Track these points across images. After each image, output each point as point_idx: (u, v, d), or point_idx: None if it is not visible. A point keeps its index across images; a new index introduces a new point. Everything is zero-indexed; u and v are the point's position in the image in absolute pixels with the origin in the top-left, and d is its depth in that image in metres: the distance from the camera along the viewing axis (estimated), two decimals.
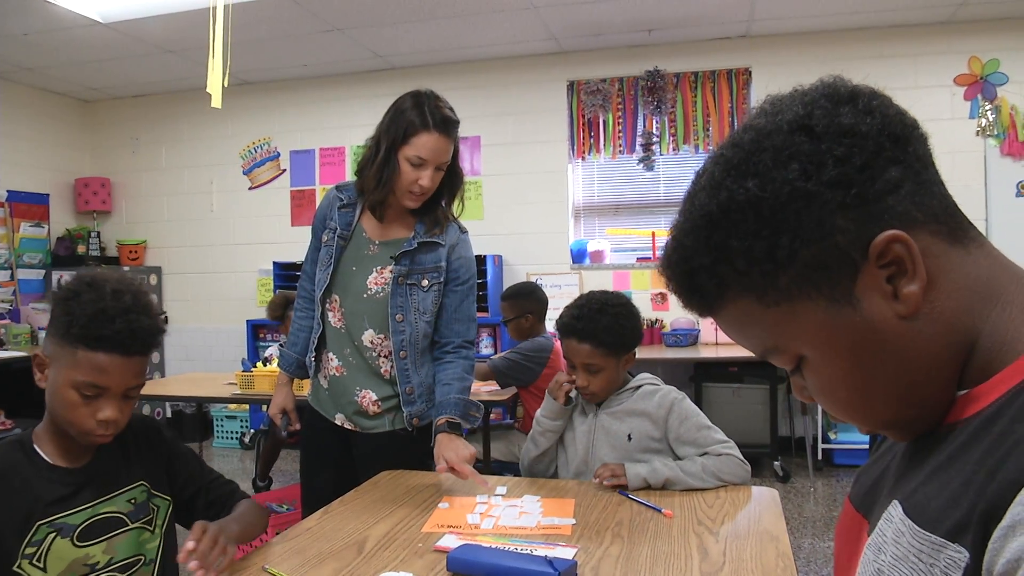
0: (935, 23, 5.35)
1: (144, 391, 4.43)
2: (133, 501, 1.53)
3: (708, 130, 5.78)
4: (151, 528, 1.55)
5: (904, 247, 0.62)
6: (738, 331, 0.73)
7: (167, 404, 6.81)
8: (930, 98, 5.35)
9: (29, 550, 1.36)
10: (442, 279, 2.26)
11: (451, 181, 2.25)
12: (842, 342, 0.66)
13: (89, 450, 1.48)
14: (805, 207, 0.64)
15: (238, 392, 3.82)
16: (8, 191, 6.41)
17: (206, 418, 6.43)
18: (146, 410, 6.68)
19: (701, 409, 2.16)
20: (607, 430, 2.14)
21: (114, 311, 1.36)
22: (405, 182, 2.14)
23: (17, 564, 1.35)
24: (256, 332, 6.45)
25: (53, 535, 1.39)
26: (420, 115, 2.10)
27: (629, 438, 2.10)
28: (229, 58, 3.60)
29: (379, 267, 2.24)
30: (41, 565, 1.37)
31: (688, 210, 0.71)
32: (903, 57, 5.44)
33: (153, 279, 6.97)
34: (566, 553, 1.53)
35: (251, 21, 4.98)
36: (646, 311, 5.87)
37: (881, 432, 0.73)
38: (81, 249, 6.83)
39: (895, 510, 0.65)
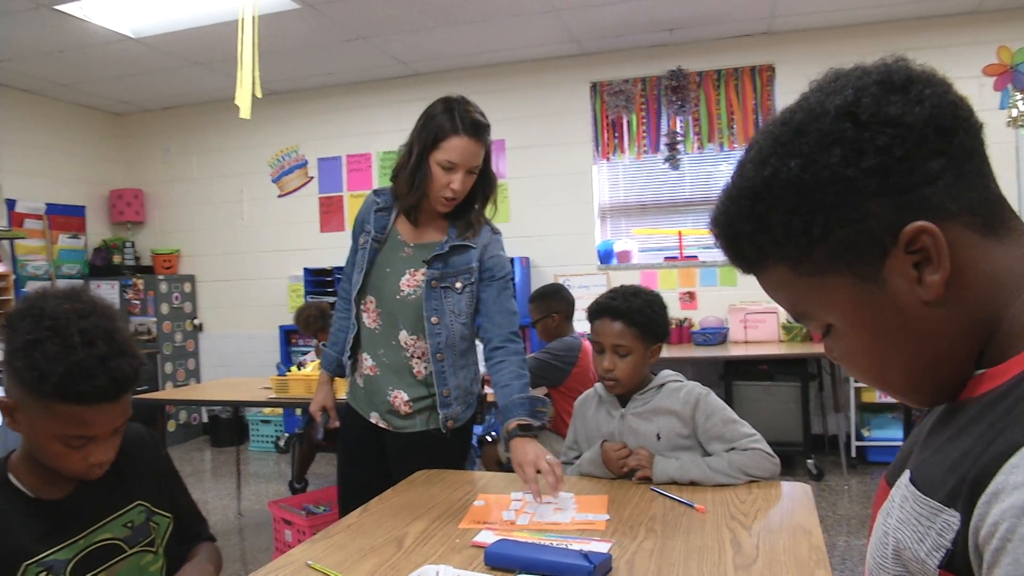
0: (962, 13, 5.31)
1: (181, 396, 4.49)
2: (131, 524, 1.44)
3: (733, 128, 5.78)
4: (153, 549, 1.47)
5: (932, 238, 0.65)
6: (774, 293, 0.77)
7: (203, 409, 6.95)
8: (959, 90, 5.29)
9: None
10: (474, 279, 2.29)
11: (484, 185, 2.29)
12: (866, 317, 0.70)
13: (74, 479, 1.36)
14: (843, 191, 0.67)
15: (273, 396, 3.89)
16: (47, 204, 6.58)
17: (241, 422, 6.54)
18: (182, 416, 6.83)
19: (732, 408, 2.17)
20: (635, 431, 2.15)
21: (90, 364, 1.22)
22: (437, 186, 2.18)
23: None
24: (288, 337, 6.54)
25: (43, 574, 1.29)
26: (450, 120, 2.14)
27: (658, 437, 2.11)
28: (258, 69, 3.66)
29: (412, 269, 2.28)
30: None
31: (738, 178, 0.75)
32: (930, 49, 5.38)
33: (187, 287, 7.10)
34: (601, 547, 1.56)
35: (277, 32, 5.07)
36: (675, 310, 5.88)
37: (898, 398, 0.77)
38: (117, 259, 6.98)
39: (904, 478, 0.70)
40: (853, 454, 5.11)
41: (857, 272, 0.69)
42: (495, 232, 2.37)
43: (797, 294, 0.74)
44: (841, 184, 0.67)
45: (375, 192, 2.39)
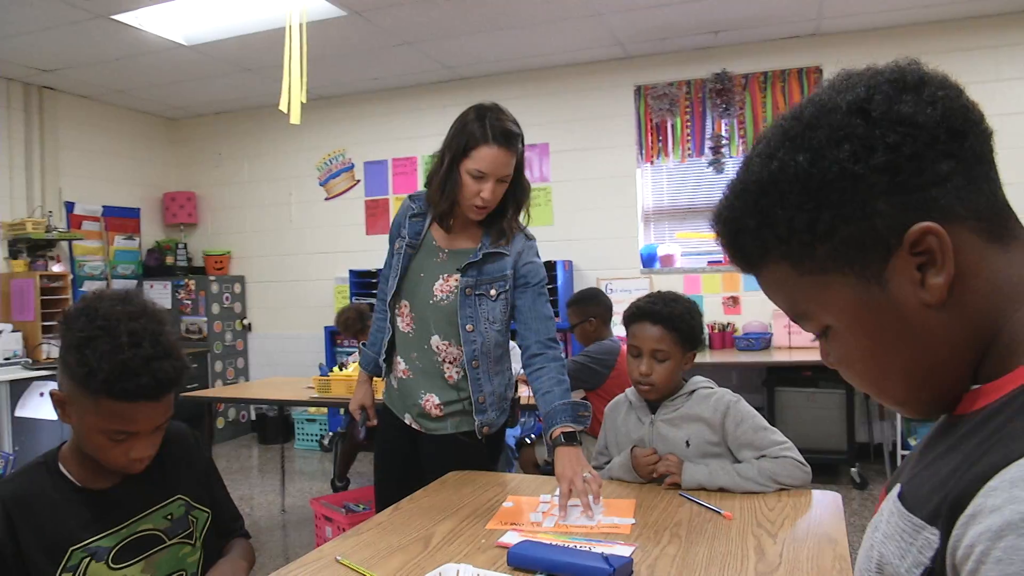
0: (1015, 12, 5.17)
1: (230, 394, 4.62)
2: (170, 517, 1.51)
3: None
4: (191, 542, 1.54)
5: (937, 240, 0.64)
6: (774, 292, 0.76)
7: (251, 407, 7.10)
8: (1012, 91, 5.17)
9: (65, 575, 1.36)
10: (508, 286, 2.30)
11: (516, 193, 2.28)
12: (866, 318, 0.69)
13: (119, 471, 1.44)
14: (851, 188, 0.66)
15: (316, 396, 3.97)
16: (104, 206, 6.80)
17: (287, 421, 6.67)
18: (231, 414, 6.99)
19: (774, 415, 2.15)
20: (665, 437, 2.15)
21: (136, 363, 1.29)
22: (467, 195, 2.19)
23: None
24: (333, 338, 6.65)
25: (87, 559, 1.38)
26: (481, 129, 2.14)
27: (687, 444, 2.11)
28: (305, 75, 3.75)
29: (445, 275, 2.30)
30: None
31: (744, 172, 0.74)
32: (983, 49, 5.27)
33: (237, 288, 7.27)
34: (624, 551, 1.57)
35: (324, 39, 5.17)
36: (718, 315, 5.84)
37: (896, 407, 0.76)
38: (170, 260, 7.17)
39: (894, 492, 0.69)
40: (899, 463, 5.00)
41: (860, 272, 0.68)
42: (529, 239, 2.37)
43: (797, 293, 0.73)
44: (849, 180, 0.66)
45: (411, 197, 2.42)
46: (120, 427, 1.33)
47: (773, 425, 2.10)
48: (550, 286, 5.85)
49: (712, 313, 5.82)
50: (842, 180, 0.66)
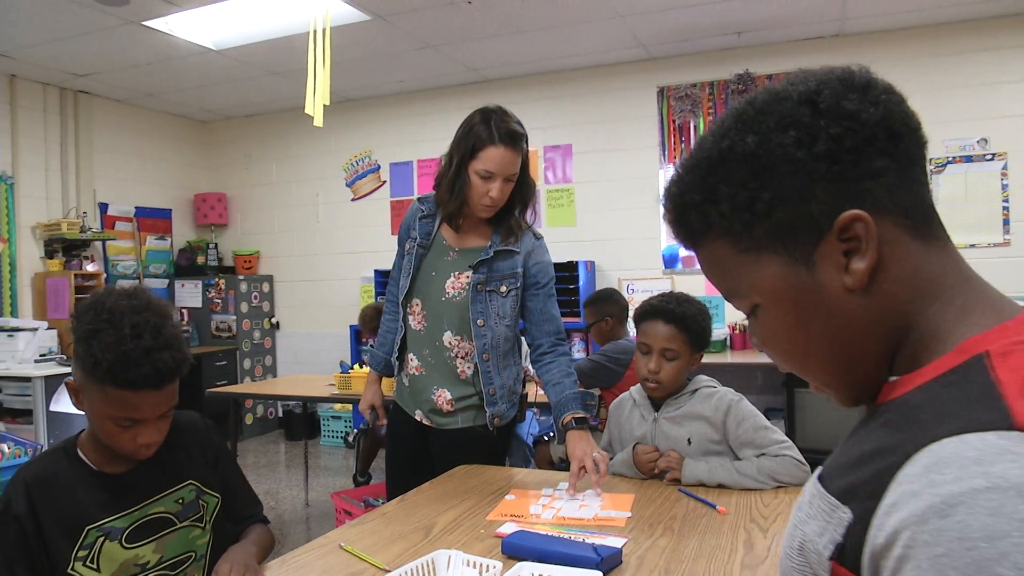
0: None
1: (257, 391, 4.72)
2: (181, 501, 1.58)
3: None
4: (202, 525, 1.61)
5: (864, 227, 0.68)
6: (711, 269, 0.80)
7: (279, 405, 7.23)
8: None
9: (81, 553, 1.43)
10: (519, 284, 2.37)
11: (522, 192, 2.35)
12: (791, 298, 0.73)
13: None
14: (791, 172, 0.70)
15: (336, 392, 4.06)
16: (136, 207, 6.97)
17: (313, 418, 6.79)
18: (259, 410, 7.12)
19: (793, 416, 2.17)
20: (667, 435, 2.19)
21: (136, 354, 1.36)
22: (476, 194, 2.27)
23: (71, 567, 1.42)
24: (359, 336, 6.75)
25: (102, 539, 1.46)
26: (487, 130, 2.22)
27: (689, 442, 2.15)
28: (329, 78, 3.83)
29: (457, 272, 2.37)
30: (95, 567, 1.45)
31: (696, 149, 0.77)
32: (1008, 49, 5.21)
33: (265, 287, 7.41)
34: (616, 542, 1.62)
35: (349, 43, 5.26)
36: (739, 315, 5.83)
37: (822, 392, 0.79)
38: (200, 260, 7.33)
39: (815, 475, 0.73)
40: None
41: (791, 252, 0.72)
42: (538, 237, 2.44)
43: (731, 271, 0.77)
44: (791, 165, 0.70)
45: (419, 199, 2.49)
46: (125, 414, 1.41)
47: (792, 426, 2.12)
48: (572, 286, 5.92)
49: (734, 313, 5.82)
50: (785, 164, 0.70)
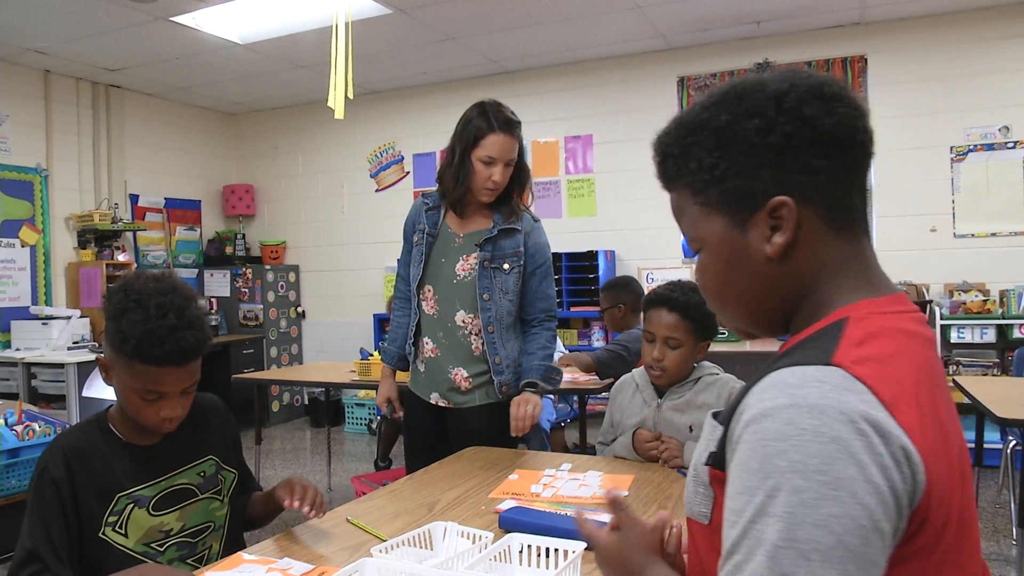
0: None
1: (283, 377, 4.84)
2: (203, 474, 1.69)
3: None
4: (220, 498, 1.72)
5: (788, 211, 0.83)
6: (676, 211, 0.95)
7: (305, 392, 7.38)
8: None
9: (112, 518, 1.54)
10: (522, 262, 2.52)
11: (519, 175, 2.54)
12: (724, 251, 0.89)
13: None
14: (746, 151, 0.85)
15: (357, 379, 4.16)
16: (166, 198, 7.14)
17: (338, 405, 6.92)
18: (285, 398, 7.27)
19: None
20: (669, 422, 2.24)
21: (161, 332, 1.46)
22: (480, 179, 2.44)
23: (101, 531, 1.53)
24: (382, 325, 6.86)
25: (131, 505, 1.56)
26: (486, 120, 2.42)
27: (691, 429, 2.20)
28: (351, 71, 3.91)
29: (465, 255, 2.52)
30: (123, 532, 1.55)
31: (686, 112, 0.92)
32: None
33: (292, 276, 7.55)
34: (608, 518, 1.68)
35: (372, 36, 5.35)
36: None
37: (730, 327, 0.98)
38: (228, 250, 7.49)
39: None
40: None
41: (731, 215, 0.87)
42: (536, 220, 2.62)
43: (689, 216, 0.92)
44: (748, 146, 0.84)
45: (423, 196, 2.66)
46: (150, 387, 1.51)
47: None
48: (591, 275, 5.98)
49: None
50: (743, 144, 0.85)
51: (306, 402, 7.43)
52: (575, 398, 4.47)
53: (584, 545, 1.35)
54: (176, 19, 5.00)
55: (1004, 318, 5.08)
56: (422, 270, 2.56)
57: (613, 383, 3.91)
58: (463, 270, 2.51)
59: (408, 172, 7.10)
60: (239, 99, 7.26)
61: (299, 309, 7.60)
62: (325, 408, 6.22)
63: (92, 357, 5.50)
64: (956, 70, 5.35)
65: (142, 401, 1.53)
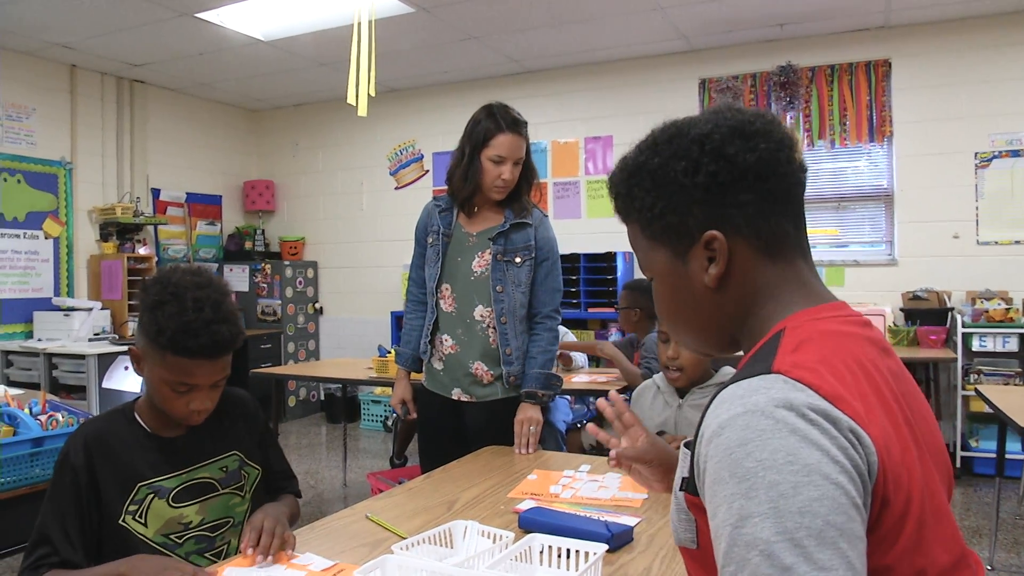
0: None
1: (300, 372, 4.87)
2: (225, 469, 1.70)
3: (845, 124, 5.65)
4: (241, 494, 1.72)
5: (719, 244, 0.90)
6: (631, 243, 1.02)
7: (321, 388, 7.41)
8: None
9: (132, 507, 1.56)
10: (532, 255, 2.58)
11: (527, 174, 2.61)
12: (669, 280, 0.97)
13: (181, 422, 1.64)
14: (677, 191, 0.92)
15: (374, 375, 4.17)
16: (187, 193, 7.19)
17: (354, 402, 6.94)
18: (302, 393, 7.30)
19: None
20: (690, 421, 2.26)
21: (197, 325, 1.49)
22: (490, 178, 2.52)
23: (121, 519, 1.55)
24: (399, 322, 6.87)
25: (152, 496, 1.58)
26: (494, 121, 2.50)
27: None
28: (374, 69, 3.93)
29: (480, 252, 2.58)
30: (142, 521, 1.57)
31: (630, 154, 1.00)
32: None
33: (310, 273, 7.58)
34: (629, 521, 1.69)
35: (394, 34, 5.36)
36: None
37: (686, 345, 1.05)
38: (248, 245, 7.53)
39: (683, 442, 0.93)
40: (959, 464, 4.93)
41: (672, 248, 0.95)
42: (544, 215, 2.68)
43: (641, 248, 1.00)
44: (678, 186, 0.91)
45: (434, 198, 2.72)
46: (182, 379, 1.53)
47: None
48: (609, 277, 5.97)
49: None
50: (674, 184, 0.92)
51: (322, 398, 7.46)
52: (592, 399, 4.47)
53: (605, 547, 1.35)
54: (201, 15, 5.03)
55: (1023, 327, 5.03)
56: (439, 269, 2.60)
57: (628, 385, 3.95)
58: (479, 266, 2.57)
59: (427, 171, 7.12)
60: (261, 95, 7.30)
61: (317, 305, 7.64)
62: (342, 404, 6.25)
63: (113, 349, 5.56)
64: (981, 75, 5.29)
65: (173, 393, 1.55)
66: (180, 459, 1.64)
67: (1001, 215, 5.34)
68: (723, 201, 0.89)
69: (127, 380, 5.69)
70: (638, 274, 6.08)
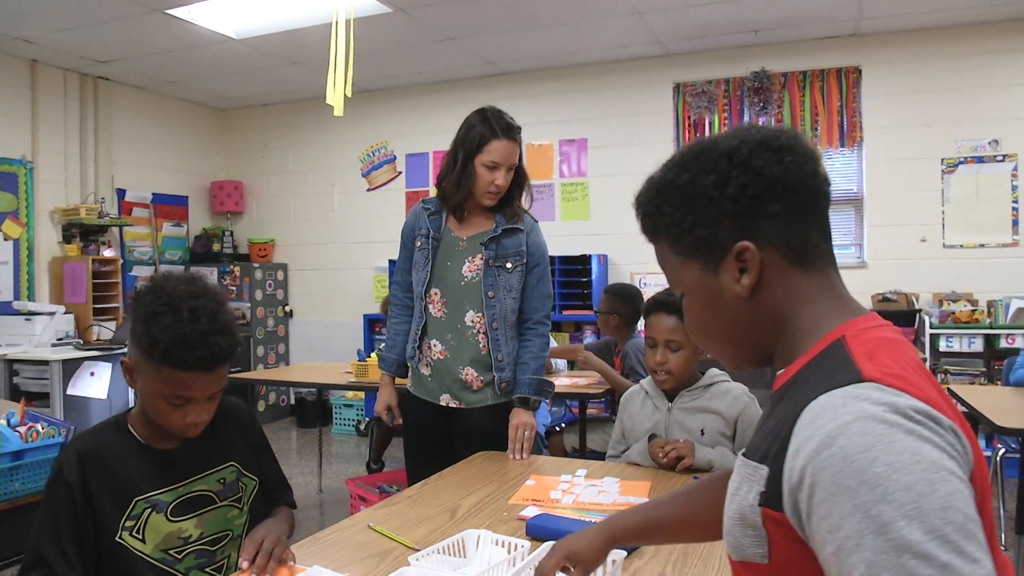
0: None
1: (271, 377, 4.77)
2: (222, 481, 1.64)
3: (817, 130, 5.73)
4: (240, 506, 1.67)
5: (751, 255, 0.91)
6: (660, 261, 1.03)
7: (291, 392, 7.31)
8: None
9: (129, 523, 1.49)
10: (523, 261, 2.56)
11: (519, 179, 2.58)
12: (702, 294, 0.98)
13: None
14: (707, 205, 0.93)
15: (353, 380, 4.12)
16: (153, 194, 7.04)
17: (326, 406, 6.86)
18: (271, 398, 7.20)
19: None
20: (681, 424, 2.26)
21: (193, 337, 1.42)
22: (483, 184, 2.48)
23: (118, 535, 1.48)
24: (372, 326, 6.82)
25: (149, 510, 1.52)
26: (489, 127, 2.46)
27: (702, 432, 2.22)
28: (351, 69, 3.88)
29: (470, 257, 2.54)
30: (140, 537, 1.50)
31: (657, 173, 1.01)
32: (1021, 52, 5.23)
33: (280, 275, 7.47)
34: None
35: (370, 34, 5.31)
36: None
37: (719, 359, 1.04)
38: (216, 247, 7.40)
39: (740, 454, 0.94)
40: None
41: (704, 262, 0.96)
42: (535, 220, 2.65)
43: (670, 265, 1.01)
44: (708, 200, 0.93)
45: (422, 202, 2.68)
46: (178, 393, 1.47)
47: None
48: (584, 279, 5.98)
49: None
50: (704, 198, 0.93)
51: (292, 402, 7.36)
52: (571, 402, 4.46)
53: (624, 553, 1.34)
54: (172, 12, 4.93)
55: (992, 328, 5.14)
56: (428, 273, 2.56)
57: (611, 388, 3.94)
58: (470, 271, 2.53)
59: (400, 172, 7.06)
60: (230, 94, 7.18)
61: (287, 308, 7.53)
62: (316, 409, 6.17)
63: (77, 355, 5.41)
64: (948, 83, 5.41)
65: (168, 406, 1.49)
66: (177, 472, 1.58)
67: (966, 219, 5.45)
68: (752, 212, 0.91)
69: (93, 386, 5.55)
70: (613, 277, 6.11)
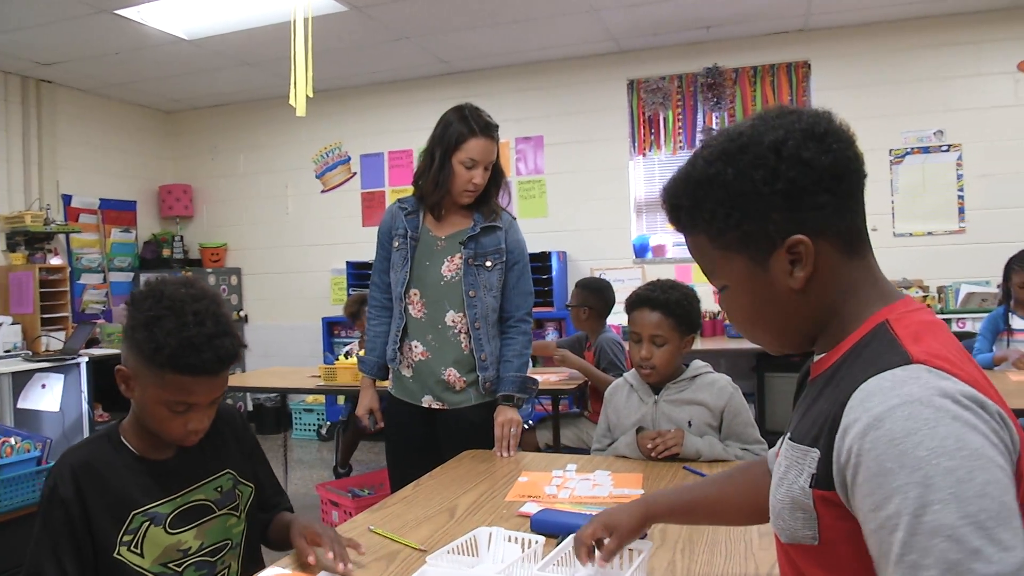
0: (997, 9, 5.32)
1: (237, 383, 4.62)
2: (220, 489, 1.61)
3: None
4: (237, 514, 1.64)
5: (805, 248, 0.91)
6: (694, 253, 1.03)
7: (248, 397, 7.18)
8: (992, 85, 5.34)
9: (127, 538, 1.45)
10: (503, 259, 2.55)
11: (496, 177, 2.58)
12: (750, 287, 0.97)
13: (174, 443, 1.54)
14: (756, 199, 0.92)
15: (322, 383, 4.07)
16: (100, 199, 6.85)
17: (285, 411, 6.75)
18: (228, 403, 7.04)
19: (764, 399, 2.30)
20: (668, 416, 2.29)
21: (200, 340, 1.40)
22: (460, 182, 2.47)
23: (116, 551, 1.44)
24: (331, 329, 6.74)
25: (147, 523, 1.48)
26: (467, 125, 2.45)
27: (690, 424, 2.25)
28: (311, 69, 3.83)
29: (449, 256, 2.53)
30: (138, 551, 1.46)
31: (690, 166, 0.99)
32: (964, 45, 5.42)
33: (233, 280, 7.33)
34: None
35: (324, 33, 5.23)
36: (709, 303, 5.94)
37: (762, 346, 1.05)
38: (166, 252, 7.23)
39: (785, 438, 0.98)
40: None
41: (751, 256, 0.95)
42: (513, 218, 2.65)
43: (709, 258, 1.00)
44: (756, 195, 0.92)
45: (399, 201, 2.65)
46: (181, 399, 1.44)
47: (764, 409, 2.25)
48: (544, 276, 5.99)
49: (704, 301, 5.90)
50: (752, 193, 0.92)
51: (250, 408, 7.24)
52: (544, 399, 4.47)
53: (651, 544, 1.35)
54: (121, 12, 4.80)
55: (943, 313, 5.31)
56: (407, 274, 2.54)
57: (584, 383, 3.97)
58: (449, 271, 2.52)
59: (355, 173, 6.99)
60: (178, 96, 7.02)
61: (241, 313, 7.40)
62: (274, 415, 6.08)
63: (26, 366, 5.24)
64: (894, 76, 5.57)
65: (170, 413, 1.45)
66: (173, 482, 1.54)
67: (914, 208, 5.63)
68: (803, 205, 0.91)
69: (44, 399, 5.38)
70: (573, 273, 6.14)
